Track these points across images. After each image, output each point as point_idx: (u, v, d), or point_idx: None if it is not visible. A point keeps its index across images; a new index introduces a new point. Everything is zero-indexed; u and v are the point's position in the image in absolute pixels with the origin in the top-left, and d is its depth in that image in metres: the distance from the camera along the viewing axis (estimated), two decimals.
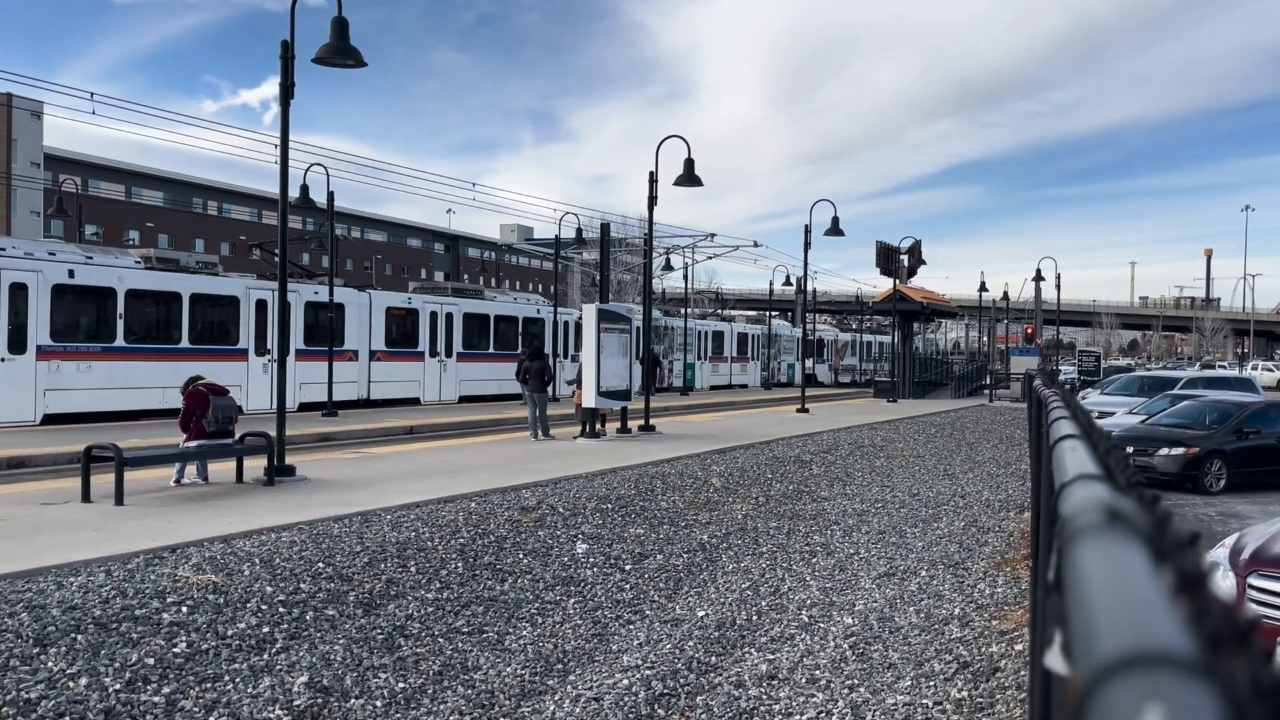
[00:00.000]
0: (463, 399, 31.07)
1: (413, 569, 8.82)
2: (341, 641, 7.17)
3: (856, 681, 6.78)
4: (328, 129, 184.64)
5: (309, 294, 26.15)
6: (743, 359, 50.24)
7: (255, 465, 12.95)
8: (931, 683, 6.68)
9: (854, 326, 69.76)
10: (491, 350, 32.42)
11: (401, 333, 29.27)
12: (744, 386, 48.54)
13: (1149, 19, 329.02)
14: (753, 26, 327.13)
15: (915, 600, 8.76)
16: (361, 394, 27.63)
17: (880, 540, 11.36)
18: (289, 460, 13.16)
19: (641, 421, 21.25)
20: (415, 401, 29.15)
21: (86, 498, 10.83)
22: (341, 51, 13.11)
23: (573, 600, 8.75)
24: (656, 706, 6.54)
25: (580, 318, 36.46)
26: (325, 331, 25.26)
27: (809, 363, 56.70)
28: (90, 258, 22.14)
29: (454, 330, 31.04)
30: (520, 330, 33.40)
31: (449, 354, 30.83)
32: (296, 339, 24.97)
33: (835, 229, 30.01)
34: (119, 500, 10.69)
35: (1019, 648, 7.19)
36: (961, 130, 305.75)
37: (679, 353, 43.60)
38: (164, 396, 21.34)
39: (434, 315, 30.27)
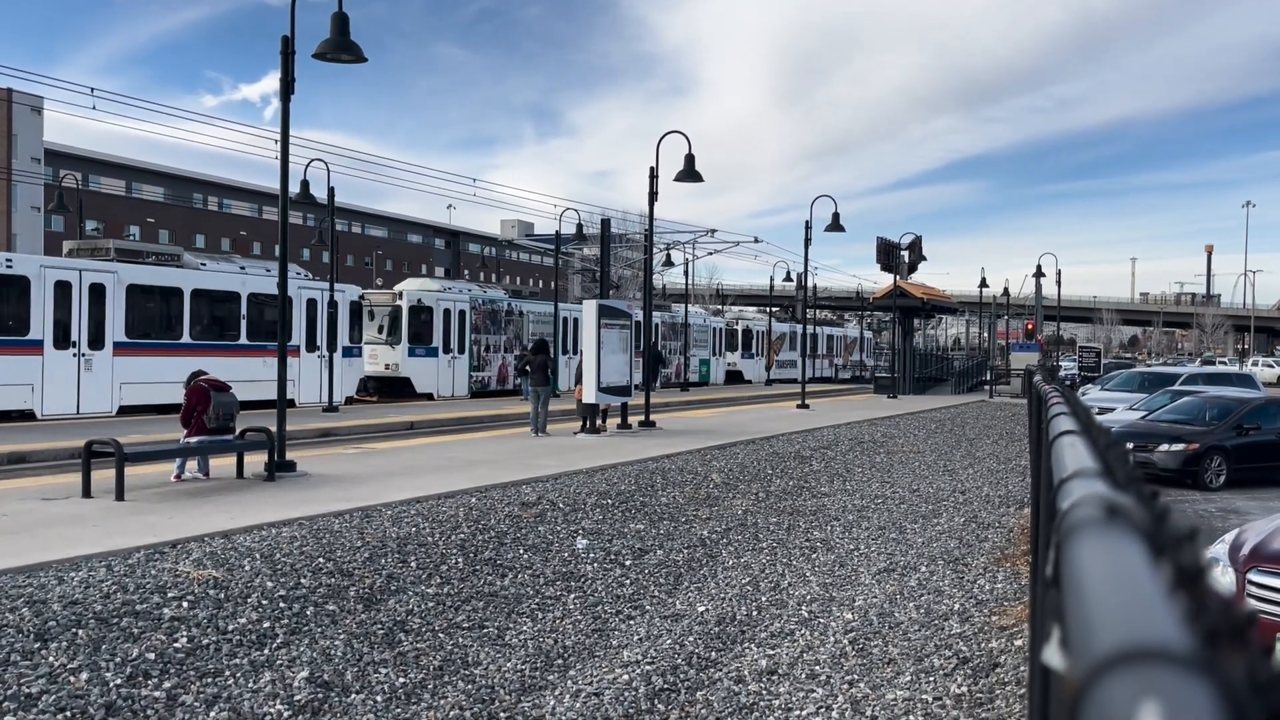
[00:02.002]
0: (126, 410, 21.40)
1: (413, 564, 8.83)
2: (342, 636, 7.18)
3: (856, 677, 6.78)
4: (328, 124, 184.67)
5: None
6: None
7: (256, 461, 12.96)
8: (931, 678, 6.69)
9: (793, 316, 59.08)
10: (187, 340, 22.50)
11: None
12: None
13: (1151, 13, 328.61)
14: (754, 21, 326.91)
15: (915, 596, 8.76)
16: None
17: (880, 536, 11.36)
18: (290, 456, 13.17)
19: (642, 417, 21.26)
20: (30, 416, 19.86)
21: (87, 493, 10.83)
22: (342, 47, 13.10)
23: (573, 595, 8.76)
24: (657, 701, 6.54)
25: (360, 297, 27.95)
26: None
27: (733, 358, 48.86)
28: None
29: (110, 309, 21.26)
30: (244, 312, 23.98)
31: (98, 345, 21.03)
32: None
33: (836, 225, 30.01)
34: (120, 496, 10.70)
35: (1019, 643, 7.19)
36: (963, 126, 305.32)
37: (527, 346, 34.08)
38: None
39: (63, 286, 20.44)
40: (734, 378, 48.93)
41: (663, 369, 41.09)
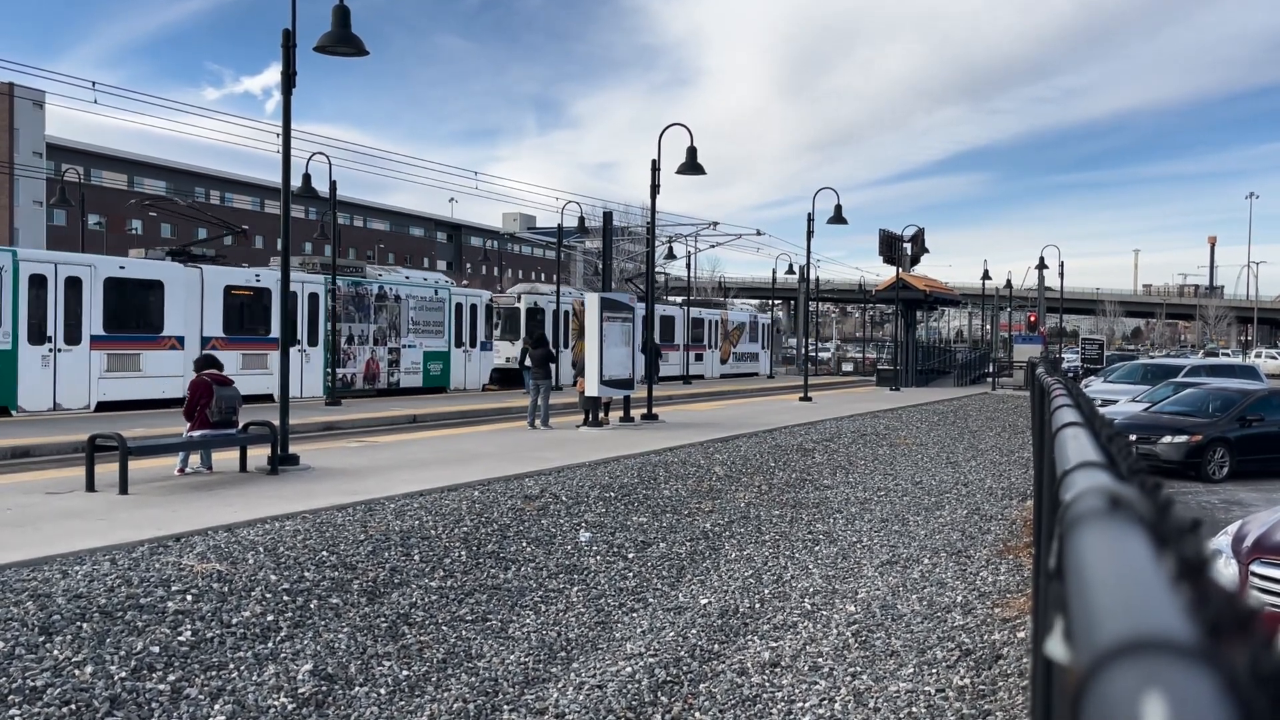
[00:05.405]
0: None
1: (416, 557, 8.84)
2: (346, 630, 7.19)
3: (859, 669, 6.79)
4: (330, 117, 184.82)
5: None
6: (269, 342, 23.89)
7: (259, 454, 12.97)
8: (934, 670, 6.69)
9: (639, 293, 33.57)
10: None
11: None
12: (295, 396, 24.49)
13: (1157, 3, 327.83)
14: (756, 12, 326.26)
15: (918, 588, 8.77)
16: None
17: (883, 528, 11.37)
18: (293, 449, 13.18)
19: (644, 410, 21.26)
20: None
21: (91, 487, 10.85)
22: (343, 40, 13.08)
23: (576, 588, 8.77)
24: (660, 694, 6.55)
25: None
26: None
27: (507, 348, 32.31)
28: None
29: None
30: None
31: None
32: None
33: (838, 217, 29.95)
34: (123, 489, 10.72)
35: (1021, 635, 7.20)
36: (968, 117, 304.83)
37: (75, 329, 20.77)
38: None
39: None
40: (510, 380, 31.16)
41: (349, 365, 26.22)
